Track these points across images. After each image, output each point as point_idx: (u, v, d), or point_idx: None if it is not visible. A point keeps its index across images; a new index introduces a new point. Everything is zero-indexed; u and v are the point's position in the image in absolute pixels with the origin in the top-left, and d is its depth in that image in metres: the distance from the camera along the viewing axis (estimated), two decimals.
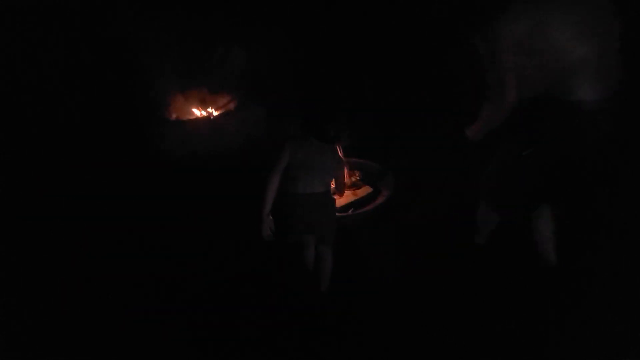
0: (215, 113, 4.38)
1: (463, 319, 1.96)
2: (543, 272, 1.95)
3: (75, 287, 2.38)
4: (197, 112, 4.38)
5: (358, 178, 2.81)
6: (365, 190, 2.70)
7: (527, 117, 1.53)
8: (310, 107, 1.90)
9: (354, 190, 2.70)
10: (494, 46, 1.34)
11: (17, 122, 4.10)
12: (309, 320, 2.06)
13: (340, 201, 2.57)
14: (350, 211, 2.55)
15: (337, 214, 2.40)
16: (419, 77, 4.44)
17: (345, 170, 2.76)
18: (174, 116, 4.20)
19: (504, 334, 1.84)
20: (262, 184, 1.87)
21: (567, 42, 1.34)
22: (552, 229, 1.87)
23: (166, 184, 3.40)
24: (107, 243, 2.73)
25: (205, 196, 3.15)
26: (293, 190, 1.89)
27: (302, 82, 4.44)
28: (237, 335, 2.02)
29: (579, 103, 1.40)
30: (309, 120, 1.89)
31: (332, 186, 2.24)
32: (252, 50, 4.96)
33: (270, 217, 1.91)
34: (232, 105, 4.37)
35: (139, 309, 2.20)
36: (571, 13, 1.33)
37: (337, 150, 1.97)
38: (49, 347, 2.03)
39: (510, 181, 1.75)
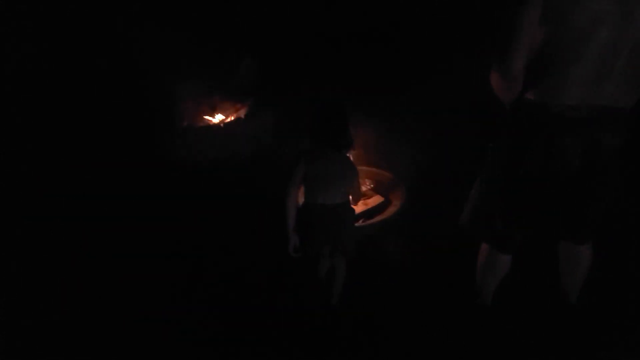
0: (226, 120, 4.40)
1: (472, 333, 1.93)
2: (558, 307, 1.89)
3: (75, 287, 2.39)
4: (208, 119, 4.40)
5: (369, 187, 2.80)
6: (376, 200, 2.69)
7: (507, 123, 1.40)
8: (320, 116, 1.88)
9: (364, 200, 2.68)
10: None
11: (22, 126, 4.17)
12: (318, 331, 2.04)
13: None
14: (360, 221, 2.53)
15: None
16: (432, 83, 4.44)
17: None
18: (185, 123, 4.23)
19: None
20: (281, 202, 1.85)
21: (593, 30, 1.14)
22: (583, 264, 1.75)
23: (176, 188, 3.43)
24: (117, 245, 2.75)
25: (215, 200, 3.17)
26: (313, 202, 1.88)
27: (310, 90, 4.46)
28: (242, 342, 2.01)
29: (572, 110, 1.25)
30: (320, 130, 1.87)
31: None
32: (262, 56, 5.01)
33: (296, 234, 1.90)
34: (242, 113, 4.39)
35: (147, 309, 2.22)
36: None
37: (350, 159, 1.96)
38: (48, 347, 2.04)
39: (486, 199, 1.60)
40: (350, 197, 2.06)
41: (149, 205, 3.23)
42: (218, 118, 4.42)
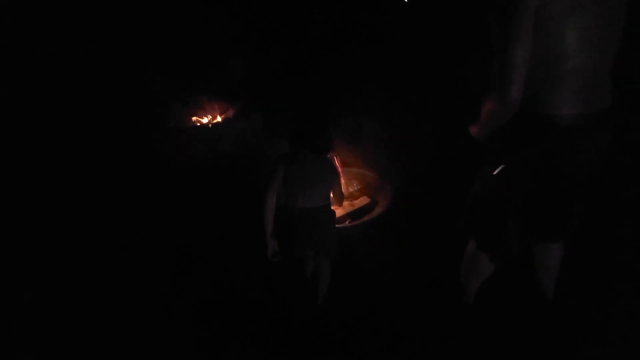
0: (214, 121, 4.38)
1: (457, 333, 1.95)
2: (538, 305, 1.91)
3: (68, 290, 2.37)
4: (196, 120, 4.38)
5: (356, 188, 2.80)
6: (362, 201, 2.70)
7: (503, 130, 1.38)
8: (299, 119, 1.87)
9: (351, 200, 2.69)
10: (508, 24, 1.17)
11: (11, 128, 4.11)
12: (304, 332, 2.04)
13: (337, 212, 2.56)
14: (347, 222, 2.54)
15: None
16: (419, 83, 4.46)
17: (343, 181, 2.76)
18: (172, 123, 4.20)
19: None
20: (259, 207, 1.84)
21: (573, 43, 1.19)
22: (555, 261, 1.78)
23: (164, 190, 3.40)
24: (100, 248, 2.72)
25: (202, 203, 3.15)
26: (293, 206, 1.87)
27: (291, 92, 4.46)
28: (228, 344, 2.00)
29: (563, 117, 1.26)
30: (299, 132, 1.86)
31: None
32: (250, 58, 4.99)
33: (274, 239, 1.89)
34: (230, 113, 4.37)
35: (130, 314, 2.20)
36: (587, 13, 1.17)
37: (331, 160, 1.96)
38: (47, 348, 2.03)
39: (485, 208, 1.58)
40: (333, 198, 2.07)
41: (135, 205, 3.21)
42: (206, 118, 4.40)
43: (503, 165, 1.42)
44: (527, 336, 1.89)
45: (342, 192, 2.11)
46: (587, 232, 2.09)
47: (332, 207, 2.46)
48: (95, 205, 3.23)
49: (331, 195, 2.15)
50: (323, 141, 1.88)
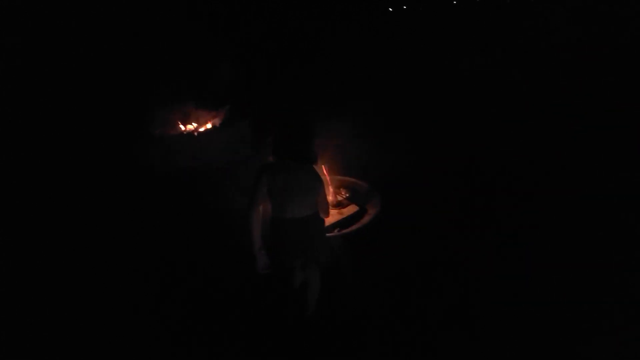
0: (200, 128, 4.33)
1: (451, 341, 1.95)
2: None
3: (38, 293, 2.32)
4: (182, 127, 4.32)
5: (345, 197, 2.79)
6: (351, 210, 2.68)
7: None
8: (281, 129, 1.85)
9: (340, 209, 2.68)
10: None
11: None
12: (294, 342, 2.01)
13: (326, 221, 2.54)
14: (336, 231, 2.52)
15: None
16: (405, 90, 4.51)
17: (331, 189, 2.75)
18: (158, 131, 4.13)
19: None
20: (244, 221, 1.81)
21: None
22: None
23: (148, 198, 3.34)
24: (82, 255, 2.67)
25: (188, 209, 3.11)
26: (281, 217, 1.84)
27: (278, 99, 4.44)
28: (219, 356, 1.97)
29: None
30: (282, 142, 1.84)
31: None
32: (237, 64, 4.97)
33: (263, 252, 1.85)
34: (217, 121, 4.33)
35: (117, 319, 2.17)
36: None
37: (315, 170, 1.93)
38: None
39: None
40: (319, 207, 2.06)
41: (121, 212, 3.15)
42: (192, 126, 4.35)
43: None
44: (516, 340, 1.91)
45: (327, 203, 2.06)
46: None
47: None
48: (78, 213, 3.15)
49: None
50: (306, 150, 1.84)
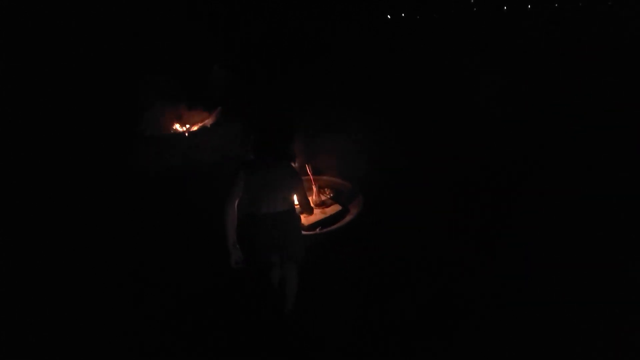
0: (191, 129, 4.32)
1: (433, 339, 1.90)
2: None
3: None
4: (174, 128, 4.32)
5: (328, 196, 2.75)
6: (334, 209, 2.65)
7: None
8: (260, 127, 1.86)
9: (323, 208, 2.64)
10: None
11: None
12: (272, 341, 1.97)
13: (309, 219, 2.51)
14: (318, 229, 2.48)
15: (305, 232, 2.34)
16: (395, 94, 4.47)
17: (314, 189, 2.71)
18: (148, 131, 4.13)
19: None
20: (220, 215, 1.82)
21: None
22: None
23: (137, 198, 3.33)
24: (76, 256, 2.66)
25: (173, 209, 3.09)
26: (256, 212, 1.85)
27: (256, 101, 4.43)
28: (199, 355, 1.94)
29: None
30: (260, 140, 1.86)
31: (297, 205, 2.18)
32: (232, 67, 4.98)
33: (237, 246, 1.86)
34: (208, 122, 4.32)
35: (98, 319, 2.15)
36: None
37: (292, 166, 1.92)
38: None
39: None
40: (300, 207, 2.02)
41: (109, 213, 3.14)
42: (183, 126, 4.34)
43: None
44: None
45: (308, 201, 2.06)
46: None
47: (304, 216, 2.42)
48: (71, 213, 3.15)
49: (296, 204, 2.11)
50: (285, 148, 1.87)
